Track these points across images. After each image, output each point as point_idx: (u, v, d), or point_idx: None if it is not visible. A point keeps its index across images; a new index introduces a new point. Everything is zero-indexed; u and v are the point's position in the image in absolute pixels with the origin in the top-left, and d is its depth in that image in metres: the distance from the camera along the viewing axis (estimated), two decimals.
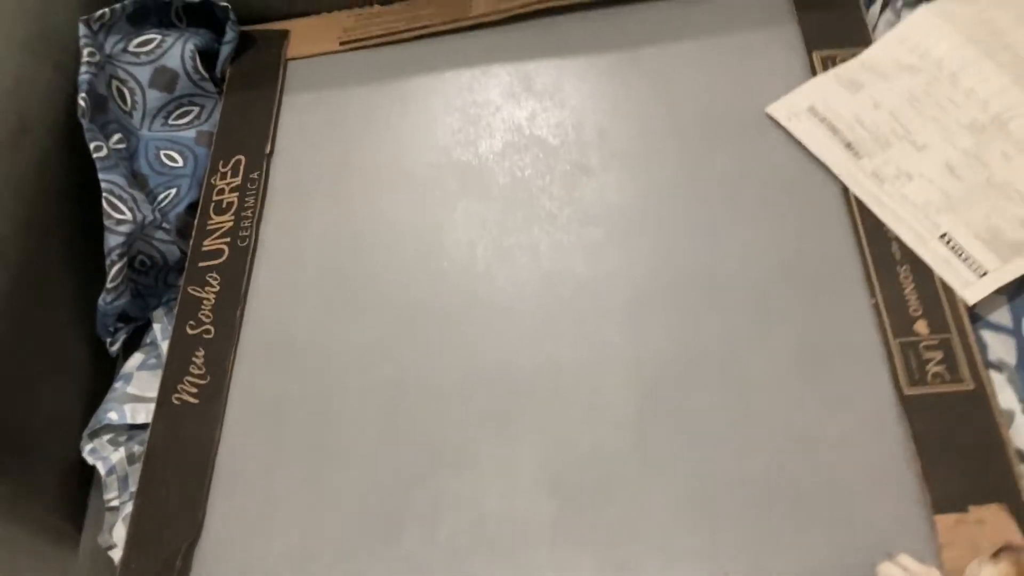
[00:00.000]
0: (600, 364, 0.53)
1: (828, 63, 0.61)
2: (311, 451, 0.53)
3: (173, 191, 0.66)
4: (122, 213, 0.60)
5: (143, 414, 0.58)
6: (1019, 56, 0.57)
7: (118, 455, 0.57)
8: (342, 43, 0.71)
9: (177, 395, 0.56)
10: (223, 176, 0.66)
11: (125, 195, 0.60)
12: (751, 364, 0.51)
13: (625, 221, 0.58)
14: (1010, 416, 0.50)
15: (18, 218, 0.57)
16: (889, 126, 0.57)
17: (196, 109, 0.70)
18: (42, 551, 0.56)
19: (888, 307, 0.51)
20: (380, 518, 0.50)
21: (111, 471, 0.56)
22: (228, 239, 0.62)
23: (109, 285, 0.60)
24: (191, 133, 0.69)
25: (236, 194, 0.64)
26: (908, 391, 0.49)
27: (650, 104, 0.63)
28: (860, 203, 0.55)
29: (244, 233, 0.62)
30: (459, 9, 0.70)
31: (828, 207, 0.56)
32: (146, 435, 0.57)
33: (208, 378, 0.57)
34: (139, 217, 0.60)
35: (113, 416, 0.58)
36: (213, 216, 0.64)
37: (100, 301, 0.60)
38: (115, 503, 0.56)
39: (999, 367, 0.52)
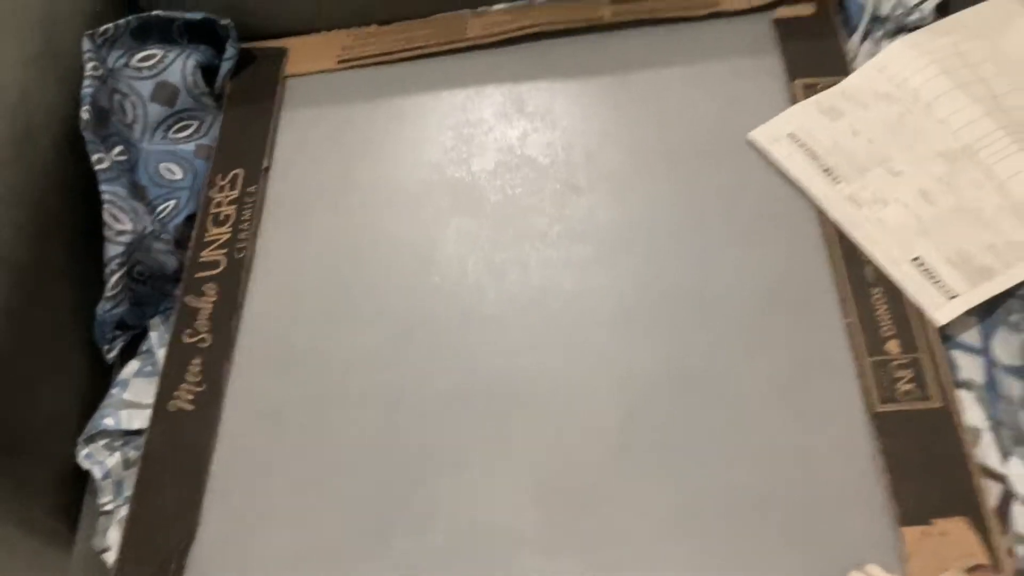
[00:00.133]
0: (587, 377, 0.55)
1: (809, 91, 0.63)
2: (304, 458, 0.55)
3: (172, 203, 0.68)
4: (122, 224, 0.61)
5: (138, 420, 0.60)
6: (991, 89, 0.60)
7: (113, 460, 0.58)
8: (340, 61, 0.73)
9: (173, 402, 0.58)
10: (221, 189, 0.67)
11: (126, 206, 0.62)
12: (730, 380, 0.53)
13: (612, 239, 0.60)
14: (977, 433, 0.52)
15: (22, 226, 0.58)
16: (866, 153, 0.60)
17: (196, 123, 0.72)
18: (36, 552, 0.57)
19: (862, 327, 0.54)
20: (371, 523, 0.52)
21: (106, 475, 0.58)
22: (225, 250, 0.64)
23: (108, 294, 0.61)
24: (190, 146, 0.71)
25: (234, 207, 0.66)
26: (879, 408, 0.51)
27: (637, 127, 0.65)
28: (837, 226, 0.57)
29: (241, 245, 0.64)
30: (455, 31, 0.72)
31: (806, 230, 0.58)
32: (141, 441, 0.58)
33: (204, 385, 0.58)
34: (139, 228, 0.62)
35: (109, 422, 0.59)
36: (211, 228, 0.65)
37: (99, 309, 0.62)
38: (109, 507, 0.57)
39: (968, 386, 0.54)
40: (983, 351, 0.56)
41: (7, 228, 0.57)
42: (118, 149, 0.66)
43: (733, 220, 0.59)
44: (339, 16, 0.76)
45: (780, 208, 0.59)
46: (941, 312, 0.54)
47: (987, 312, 0.57)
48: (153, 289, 0.66)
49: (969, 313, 0.55)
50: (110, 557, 0.55)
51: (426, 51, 0.72)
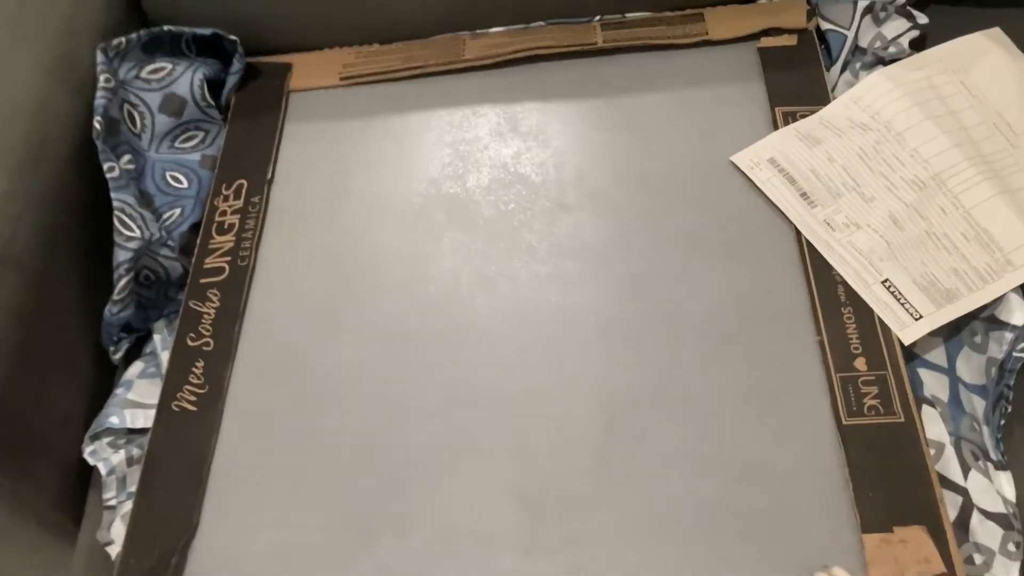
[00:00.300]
0: (569, 388, 0.57)
1: (789, 118, 0.67)
2: (299, 459, 0.57)
3: (177, 211, 0.70)
4: (132, 230, 0.64)
5: (142, 419, 0.62)
6: (960, 121, 0.63)
7: (118, 457, 0.61)
8: (342, 78, 0.76)
9: (177, 402, 0.60)
10: (226, 199, 0.70)
11: (135, 214, 0.65)
12: (707, 393, 0.56)
13: (598, 256, 0.63)
14: (940, 447, 0.55)
15: (36, 230, 0.61)
16: (841, 179, 0.63)
17: (201, 134, 0.75)
18: (41, 543, 0.60)
19: (832, 344, 0.57)
20: (358, 524, 0.55)
21: (111, 472, 0.60)
22: (229, 258, 0.67)
23: (116, 297, 0.64)
24: (196, 156, 0.73)
25: (238, 216, 0.69)
26: (846, 421, 0.54)
27: (625, 148, 0.68)
28: (812, 248, 0.61)
29: (244, 253, 0.67)
30: (453, 52, 0.75)
31: (782, 251, 0.61)
32: (144, 439, 0.61)
33: (206, 387, 0.61)
34: (147, 235, 0.65)
35: (114, 420, 0.62)
36: (215, 236, 0.68)
37: (106, 312, 0.64)
38: (113, 502, 0.60)
39: (932, 403, 0.57)
40: (948, 370, 0.59)
41: (23, 232, 0.59)
42: (127, 158, 0.69)
43: (713, 240, 0.62)
44: (342, 34, 0.78)
45: (759, 229, 0.62)
46: (908, 332, 0.57)
47: (952, 333, 0.60)
48: (158, 293, 0.69)
49: (935, 333, 0.59)
50: (113, 550, 0.58)
51: (426, 70, 0.75)
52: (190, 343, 0.63)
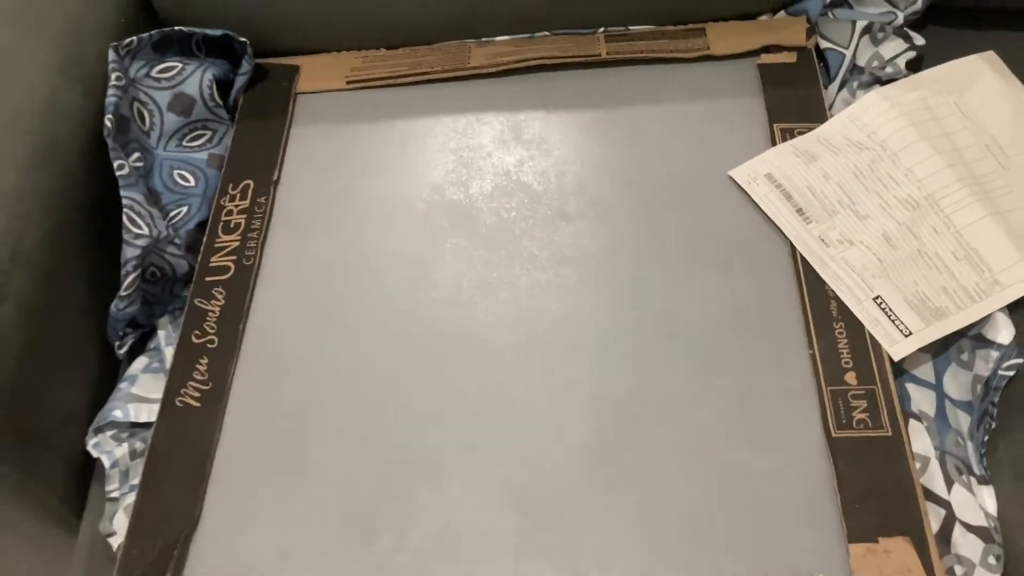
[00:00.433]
0: (565, 394, 0.59)
1: (787, 135, 0.68)
2: (298, 457, 0.59)
3: (184, 209, 0.71)
4: (140, 228, 0.65)
5: (145, 413, 0.63)
6: (954, 143, 0.65)
7: (121, 450, 0.62)
8: (349, 82, 0.77)
9: (180, 398, 0.61)
10: (232, 198, 0.71)
11: (143, 211, 0.66)
12: (700, 402, 0.57)
13: (597, 265, 0.64)
14: (926, 460, 0.57)
15: (46, 227, 0.62)
16: (836, 196, 0.64)
17: (209, 133, 0.76)
18: (44, 534, 0.61)
19: (823, 358, 0.58)
20: (356, 523, 0.56)
21: (114, 464, 0.61)
22: (234, 257, 0.68)
23: (123, 293, 0.65)
24: (203, 155, 0.74)
25: (244, 216, 0.70)
26: (835, 434, 0.55)
27: (626, 159, 0.69)
28: (806, 263, 0.62)
29: (250, 253, 0.68)
30: (459, 59, 0.77)
31: (777, 265, 0.62)
32: (147, 433, 0.62)
33: (210, 384, 0.62)
34: (155, 232, 0.66)
35: (118, 414, 0.63)
36: (221, 235, 0.69)
37: (113, 307, 0.65)
38: (116, 494, 0.61)
39: (919, 417, 0.58)
40: (935, 385, 0.61)
41: (32, 230, 0.60)
42: (136, 155, 0.70)
43: (710, 252, 0.63)
44: (349, 38, 0.80)
45: (755, 243, 0.64)
46: (897, 348, 0.58)
47: (941, 349, 0.61)
48: (163, 290, 0.70)
49: (924, 350, 0.60)
50: (115, 541, 0.59)
51: (431, 76, 0.76)
52: (195, 340, 0.64)
